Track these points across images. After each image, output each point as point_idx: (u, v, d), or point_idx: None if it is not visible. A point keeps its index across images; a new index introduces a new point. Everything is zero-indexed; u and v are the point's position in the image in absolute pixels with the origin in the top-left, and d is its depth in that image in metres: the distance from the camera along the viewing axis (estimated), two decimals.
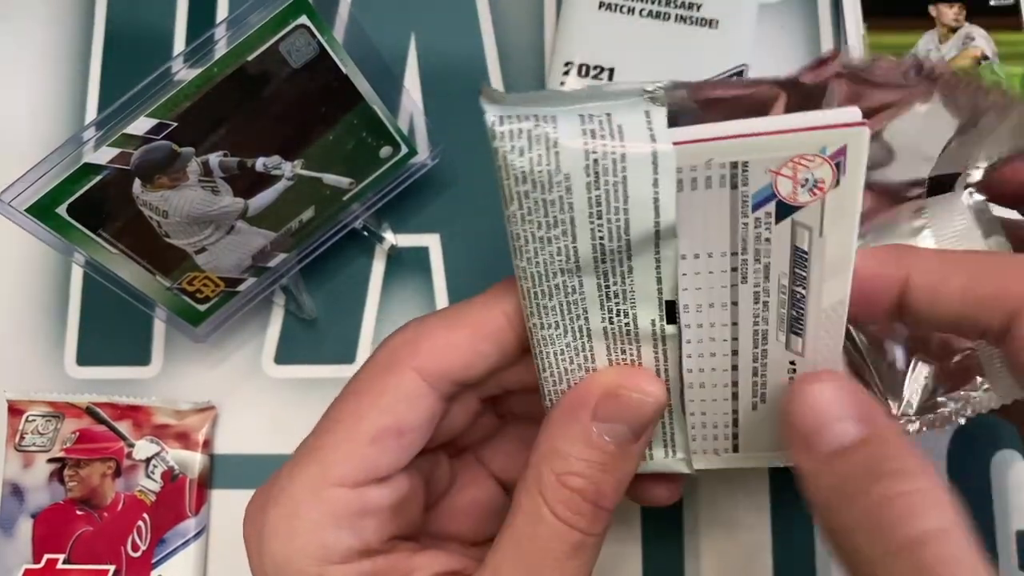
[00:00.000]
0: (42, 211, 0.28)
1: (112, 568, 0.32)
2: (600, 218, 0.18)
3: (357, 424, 0.20)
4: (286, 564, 0.20)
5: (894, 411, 0.23)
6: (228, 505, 0.34)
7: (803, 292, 0.18)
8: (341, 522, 0.20)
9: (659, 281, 0.19)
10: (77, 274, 0.36)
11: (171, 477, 0.33)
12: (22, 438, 0.34)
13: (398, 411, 0.20)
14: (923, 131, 0.23)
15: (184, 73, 0.28)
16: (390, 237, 0.35)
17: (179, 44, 0.38)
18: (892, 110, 0.22)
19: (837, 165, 0.16)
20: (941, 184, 0.24)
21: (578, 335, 0.20)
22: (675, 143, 0.17)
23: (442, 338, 0.21)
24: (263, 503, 0.21)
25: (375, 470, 0.20)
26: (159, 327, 0.36)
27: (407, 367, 0.20)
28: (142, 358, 0.36)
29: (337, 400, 0.21)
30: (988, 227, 0.22)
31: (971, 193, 0.23)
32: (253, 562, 0.21)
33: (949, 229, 0.23)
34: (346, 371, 0.35)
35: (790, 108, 0.22)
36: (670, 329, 0.19)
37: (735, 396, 0.20)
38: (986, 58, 0.36)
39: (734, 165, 0.17)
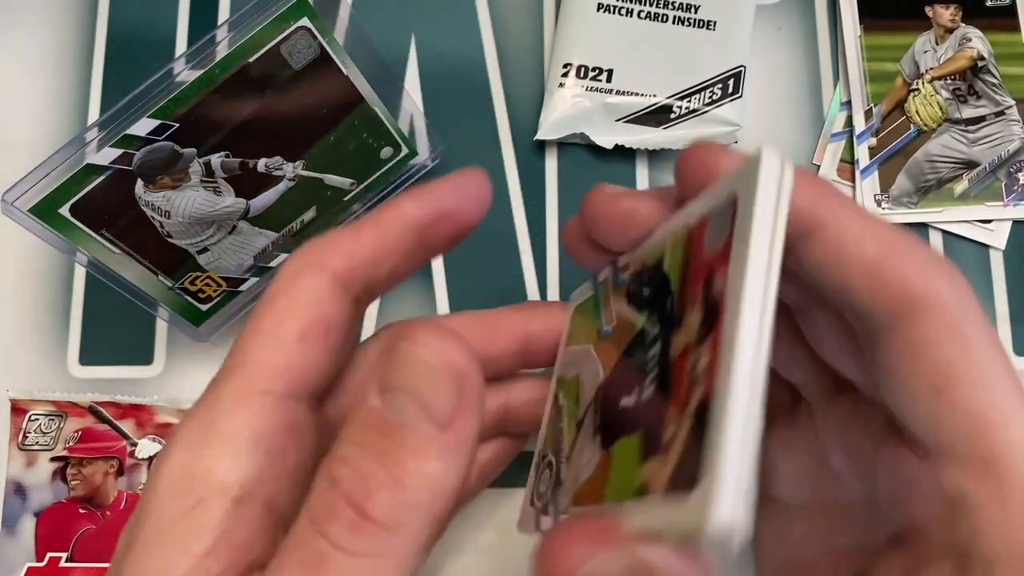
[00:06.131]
0: (45, 211, 0.28)
1: None
2: None
3: (280, 326, 0.19)
4: (180, 483, 0.17)
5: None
6: None
7: None
8: (263, 441, 0.17)
9: None
10: (80, 274, 0.36)
11: None
12: (25, 437, 0.34)
13: (319, 308, 0.19)
14: None
15: (186, 74, 0.28)
16: None
17: (181, 45, 0.38)
18: None
19: None
20: None
21: None
22: None
23: (346, 241, 0.20)
24: (180, 421, 0.18)
25: (306, 371, 0.19)
26: (161, 327, 0.36)
27: (317, 269, 0.19)
28: (144, 357, 0.36)
29: (251, 316, 0.20)
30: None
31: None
32: (147, 484, 0.18)
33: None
34: None
35: None
36: None
37: None
38: (982, 59, 0.36)
39: None
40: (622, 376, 0.19)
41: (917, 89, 0.36)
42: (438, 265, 0.36)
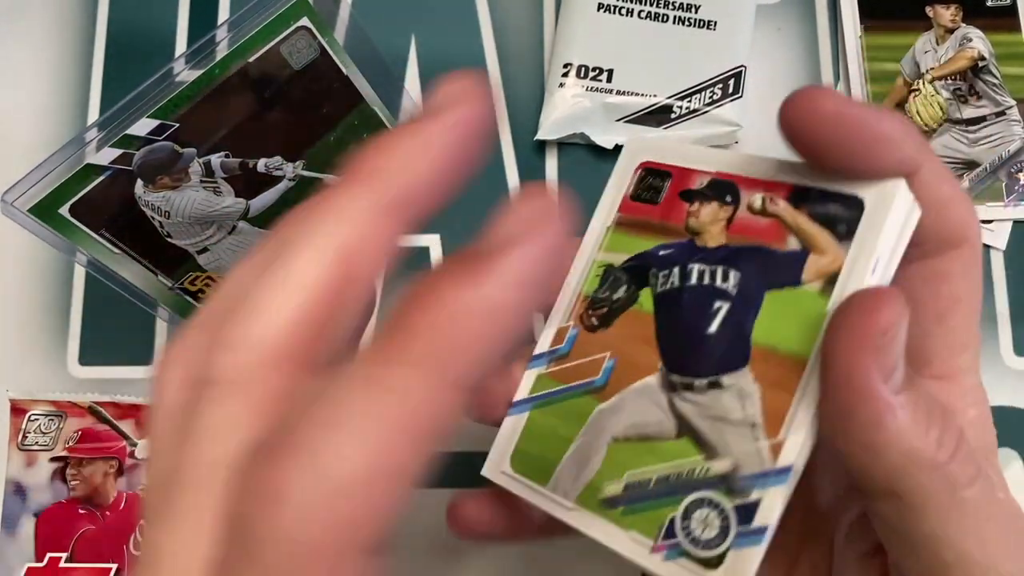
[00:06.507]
0: (45, 211, 0.28)
1: (114, 567, 0.33)
2: None
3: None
4: None
5: None
6: None
7: None
8: None
9: None
10: (79, 274, 0.36)
11: None
12: (25, 437, 0.34)
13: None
14: None
15: (186, 74, 0.28)
16: None
17: (181, 45, 0.38)
18: None
19: None
20: None
21: None
22: None
23: None
24: None
25: None
26: (161, 327, 0.36)
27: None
28: (144, 357, 0.36)
29: None
30: None
31: None
32: None
33: None
34: None
35: None
36: None
37: None
38: (983, 59, 0.36)
39: None
40: (685, 337, 0.19)
41: (918, 89, 0.36)
42: (438, 262, 0.36)
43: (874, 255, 0.17)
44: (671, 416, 0.19)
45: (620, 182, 0.22)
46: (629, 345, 0.20)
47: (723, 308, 0.19)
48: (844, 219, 0.18)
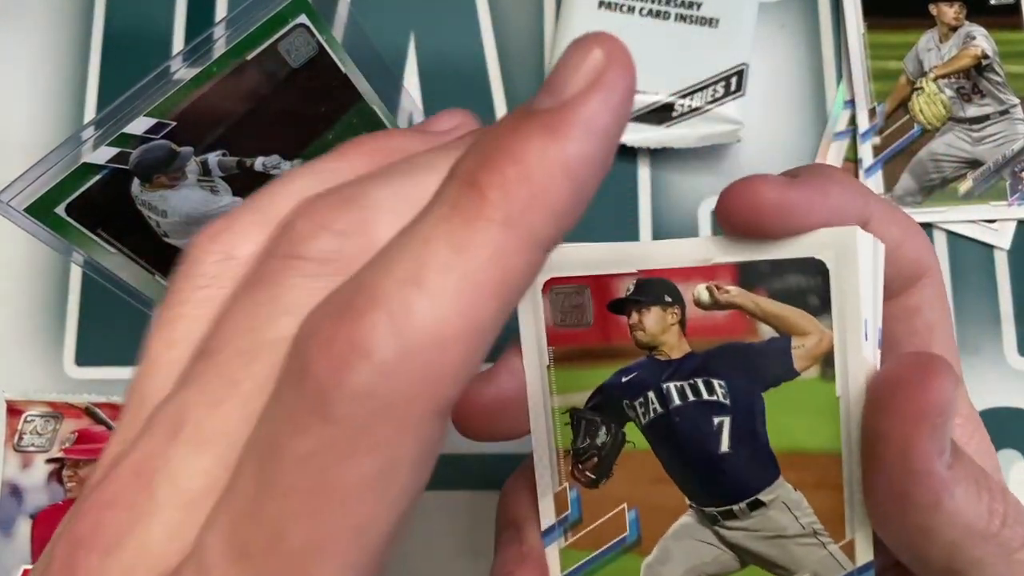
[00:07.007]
0: (41, 211, 0.28)
1: None
2: None
3: None
4: None
5: None
6: None
7: None
8: None
9: None
10: (76, 274, 0.36)
11: None
12: (21, 438, 0.34)
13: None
14: None
15: (183, 72, 0.28)
16: None
17: (178, 43, 0.38)
18: None
19: None
20: None
21: None
22: None
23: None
24: None
25: None
26: None
27: None
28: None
29: None
30: None
31: None
32: None
33: None
34: None
35: None
36: None
37: None
38: (986, 57, 0.36)
39: None
40: (699, 464, 0.18)
41: (921, 88, 0.36)
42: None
43: (861, 318, 0.16)
44: (725, 549, 0.18)
45: (533, 311, 0.18)
46: (642, 490, 0.19)
47: (725, 422, 0.17)
48: (811, 289, 0.16)
